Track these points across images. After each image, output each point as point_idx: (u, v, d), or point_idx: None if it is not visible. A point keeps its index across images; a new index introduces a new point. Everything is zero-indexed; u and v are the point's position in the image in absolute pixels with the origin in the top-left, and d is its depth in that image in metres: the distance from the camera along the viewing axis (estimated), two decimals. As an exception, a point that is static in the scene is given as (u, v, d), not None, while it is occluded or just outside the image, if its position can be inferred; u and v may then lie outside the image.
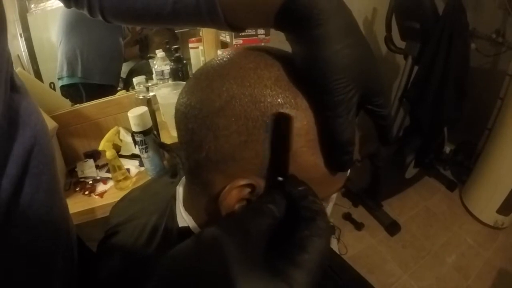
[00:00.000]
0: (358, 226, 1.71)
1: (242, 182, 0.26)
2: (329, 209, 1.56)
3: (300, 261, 0.20)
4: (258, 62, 0.27)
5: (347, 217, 1.77)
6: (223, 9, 0.30)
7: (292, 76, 0.26)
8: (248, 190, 0.27)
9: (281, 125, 0.24)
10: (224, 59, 0.29)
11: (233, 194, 0.26)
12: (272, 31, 0.97)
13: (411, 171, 1.85)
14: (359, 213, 1.82)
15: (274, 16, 0.26)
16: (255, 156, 0.25)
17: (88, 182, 0.93)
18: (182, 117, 0.28)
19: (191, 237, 0.23)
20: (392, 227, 1.68)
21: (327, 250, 0.21)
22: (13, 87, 0.33)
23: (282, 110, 0.24)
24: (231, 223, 0.23)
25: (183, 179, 0.38)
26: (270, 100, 0.24)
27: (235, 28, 0.32)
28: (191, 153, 0.28)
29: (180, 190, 0.37)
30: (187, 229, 0.34)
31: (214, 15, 0.30)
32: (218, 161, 0.26)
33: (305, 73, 0.25)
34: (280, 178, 0.25)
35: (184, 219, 0.34)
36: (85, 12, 0.38)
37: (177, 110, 0.30)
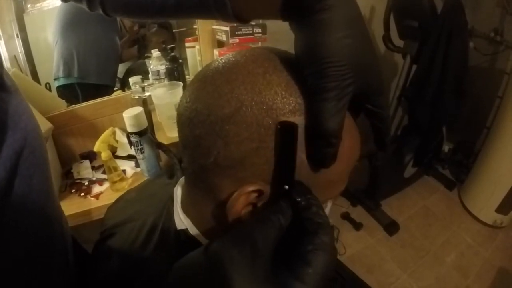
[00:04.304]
0: (357, 226, 1.70)
1: (251, 188, 0.25)
2: (328, 209, 1.55)
3: (304, 276, 0.20)
4: (267, 67, 0.26)
5: (346, 216, 1.77)
6: None
7: (301, 80, 0.25)
8: (255, 195, 0.26)
9: (285, 134, 0.24)
10: (230, 62, 0.28)
11: (241, 200, 0.26)
12: (269, 29, 0.97)
13: (409, 171, 1.85)
14: (358, 212, 1.81)
15: (282, 2, 0.26)
16: (265, 162, 0.25)
17: (84, 183, 0.92)
18: (187, 122, 0.27)
19: (199, 249, 0.23)
20: (391, 227, 1.67)
21: (332, 264, 0.21)
22: (2, 86, 0.32)
23: (287, 118, 0.24)
24: (240, 236, 0.23)
25: (181, 180, 0.38)
26: (281, 107, 0.24)
27: (241, 19, 0.32)
28: (197, 158, 0.27)
29: (178, 192, 0.36)
30: (184, 232, 0.33)
31: (221, 5, 0.30)
32: (227, 166, 0.26)
33: (302, 59, 0.24)
34: (286, 186, 0.25)
35: (182, 221, 0.34)
36: (83, 6, 0.37)
37: (181, 114, 0.29)
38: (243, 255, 0.21)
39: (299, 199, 0.23)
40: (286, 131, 0.24)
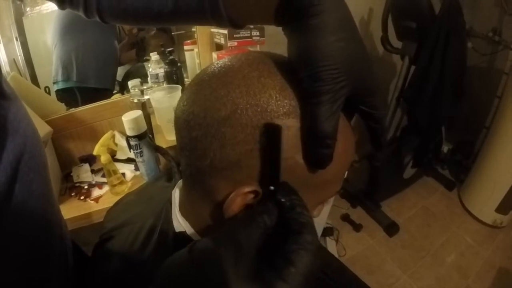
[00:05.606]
0: (357, 227, 1.71)
1: (247, 189, 0.26)
2: (327, 210, 1.55)
3: (286, 275, 0.20)
4: (262, 70, 0.26)
5: (346, 218, 1.77)
6: (225, 4, 0.29)
7: (296, 83, 0.26)
8: (251, 196, 0.27)
9: (271, 135, 0.24)
10: (226, 66, 0.28)
11: (238, 201, 0.26)
12: (267, 32, 0.97)
13: (409, 171, 1.85)
14: (358, 214, 1.81)
15: (275, 7, 0.26)
16: (259, 164, 0.25)
17: (84, 187, 0.92)
18: (185, 124, 0.28)
19: (184, 248, 0.23)
20: (391, 228, 1.67)
21: (314, 263, 0.22)
22: (1, 93, 0.33)
23: (281, 121, 0.25)
24: (224, 235, 0.23)
25: (179, 183, 0.38)
26: (276, 110, 0.25)
27: (236, 25, 0.32)
28: (194, 160, 0.28)
29: (175, 195, 0.37)
30: (183, 234, 0.34)
31: (217, 11, 0.30)
32: (223, 168, 0.26)
33: (295, 63, 0.25)
34: (271, 187, 0.25)
35: (180, 223, 0.34)
36: (80, 13, 0.37)
37: (178, 117, 0.29)
38: (227, 254, 0.21)
39: (284, 200, 0.24)
40: (270, 132, 0.24)
